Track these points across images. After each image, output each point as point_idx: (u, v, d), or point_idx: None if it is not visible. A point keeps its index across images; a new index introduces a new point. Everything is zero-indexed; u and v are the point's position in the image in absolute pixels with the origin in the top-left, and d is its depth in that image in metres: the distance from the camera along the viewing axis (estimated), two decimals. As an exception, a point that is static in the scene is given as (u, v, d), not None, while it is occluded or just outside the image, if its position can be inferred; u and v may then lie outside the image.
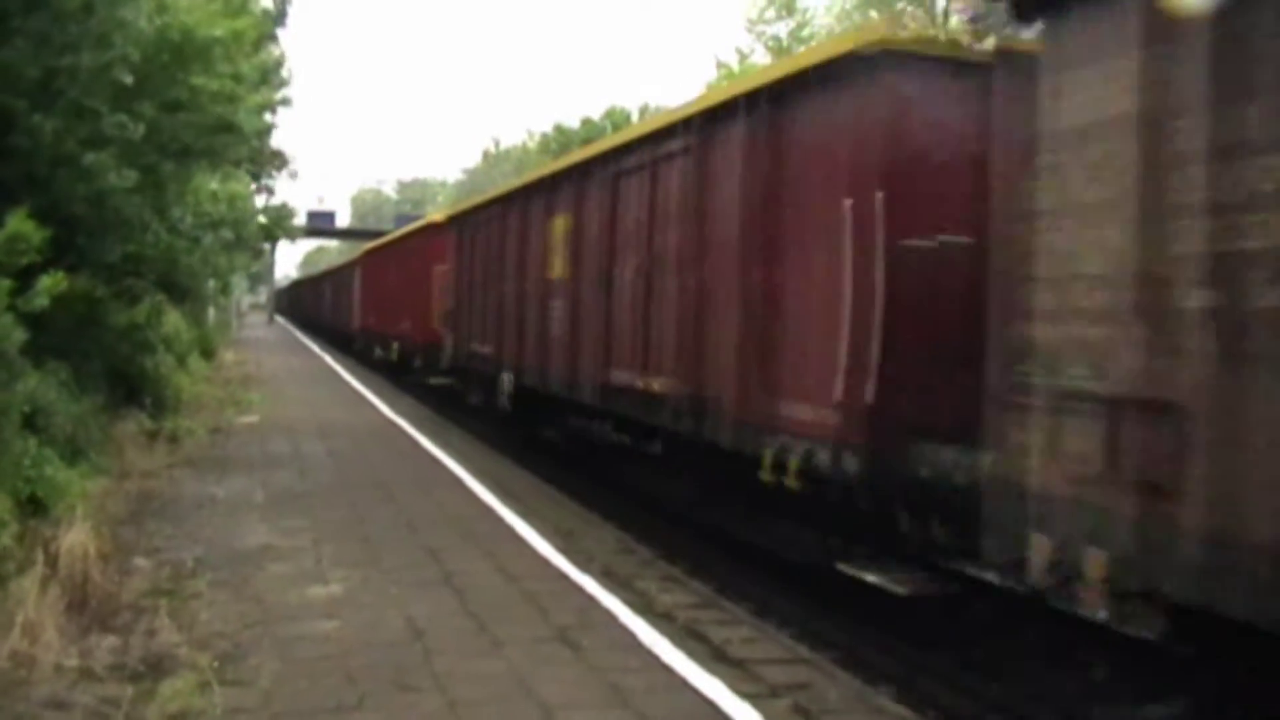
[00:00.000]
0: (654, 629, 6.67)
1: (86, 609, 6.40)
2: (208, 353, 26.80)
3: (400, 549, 8.60)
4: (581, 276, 11.73)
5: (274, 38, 19.32)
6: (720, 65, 39.37)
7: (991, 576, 6.29)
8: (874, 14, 30.24)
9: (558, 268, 12.59)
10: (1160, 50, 4.50)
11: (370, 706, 5.24)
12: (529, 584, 7.64)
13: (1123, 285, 4.63)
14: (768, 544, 8.58)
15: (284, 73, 20.63)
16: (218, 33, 10.57)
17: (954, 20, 23.08)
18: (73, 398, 10.30)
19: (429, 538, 9.02)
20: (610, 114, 50.77)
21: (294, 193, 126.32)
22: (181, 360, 19.94)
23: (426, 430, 16.49)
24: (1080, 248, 4.91)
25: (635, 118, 47.90)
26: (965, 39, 7.14)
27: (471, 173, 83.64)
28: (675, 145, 9.45)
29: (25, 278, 7.68)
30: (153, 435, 13.22)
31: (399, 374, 25.71)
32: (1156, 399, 4.42)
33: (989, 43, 6.73)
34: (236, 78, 11.59)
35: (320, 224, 66.44)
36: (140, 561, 7.77)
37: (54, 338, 9.95)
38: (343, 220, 78.73)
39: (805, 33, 35.99)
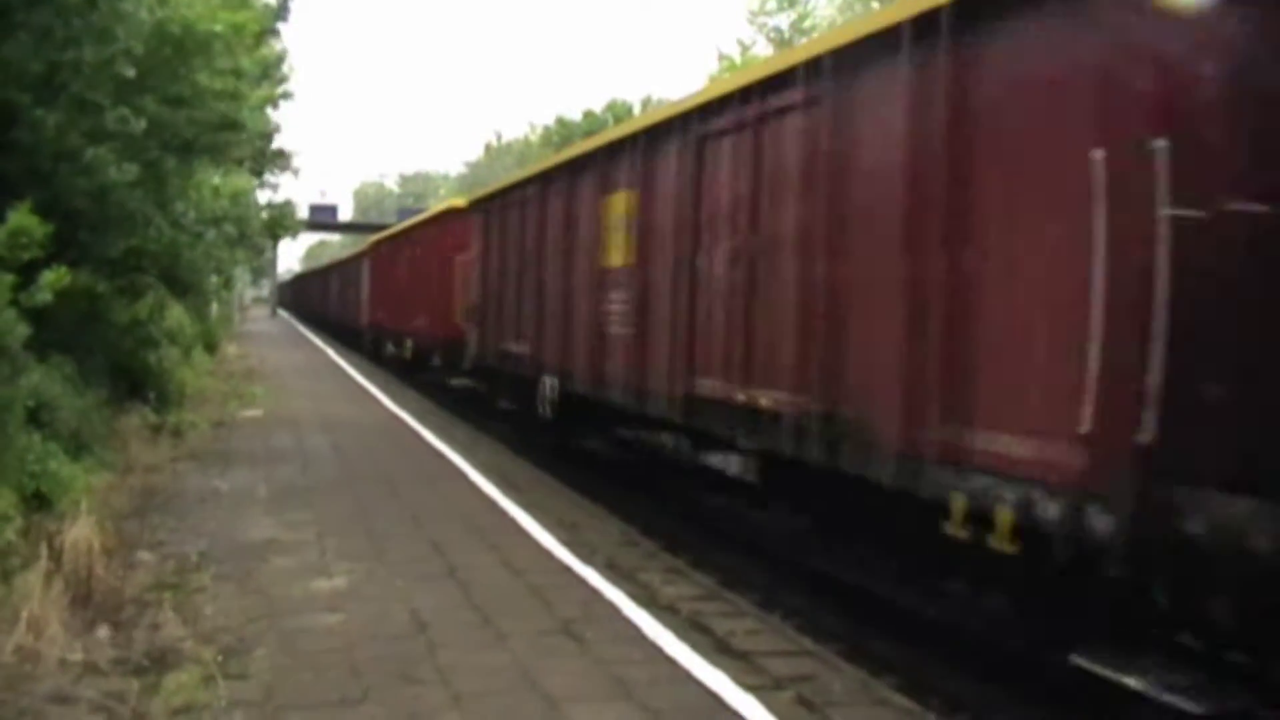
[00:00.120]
0: (658, 621, 6.67)
1: (91, 603, 6.41)
2: (210, 346, 26.82)
3: (404, 542, 8.60)
4: (650, 264, 10.07)
5: (275, 32, 19.34)
6: (722, 57, 39.34)
7: None
8: (875, 4, 30.17)
9: (616, 254, 10.92)
10: None
11: (375, 699, 5.24)
12: (533, 577, 7.65)
13: None
14: (953, 620, 6.76)
15: (285, 68, 20.65)
16: (218, 27, 10.57)
17: None
18: (76, 392, 10.32)
19: (433, 531, 9.02)
20: (611, 106, 50.76)
21: (296, 187, 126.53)
22: (185, 354, 19.96)
23: (430, 425, 16.47)
24: None
25: (637, 109, 47.86)
26: None
27: (473, 166, 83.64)
28: (793, 96, 7.64)
29: (28, 273, 7.68)
30: (156, 429, 13.25)
31: (411, 372, 24.33)
32: None
33: None
34: (238, 73, 11.59)
35: (322, 218, 66.36)
36: (144, 555, 7.78)
37: (57, 332, 9.96)
38: (345, 214, 78.69)
39: (807, 24, 35.91)
